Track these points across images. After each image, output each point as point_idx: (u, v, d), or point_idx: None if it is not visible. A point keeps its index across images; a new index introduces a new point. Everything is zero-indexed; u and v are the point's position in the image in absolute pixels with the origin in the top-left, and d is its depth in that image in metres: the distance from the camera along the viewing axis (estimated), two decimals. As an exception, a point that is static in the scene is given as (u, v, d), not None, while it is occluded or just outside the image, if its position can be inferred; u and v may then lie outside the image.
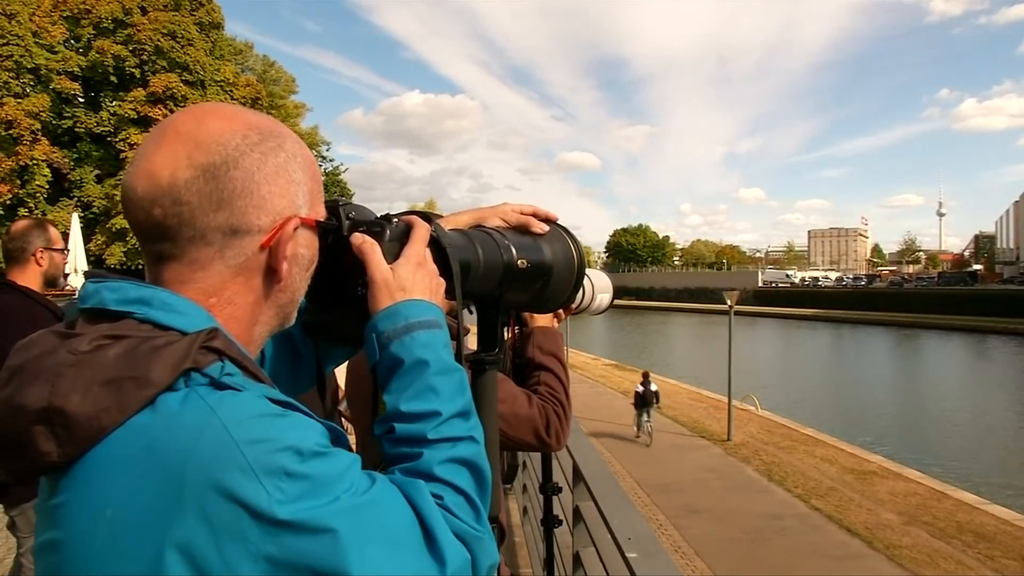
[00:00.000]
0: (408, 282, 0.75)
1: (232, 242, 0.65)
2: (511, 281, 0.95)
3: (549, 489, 2.18)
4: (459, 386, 0.73)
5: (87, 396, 0.55)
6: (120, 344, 0.58)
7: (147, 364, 0.57)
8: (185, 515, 0.52)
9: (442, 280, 0.79)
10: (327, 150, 47.68)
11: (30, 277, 2.72)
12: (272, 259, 0.68)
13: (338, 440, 0.61)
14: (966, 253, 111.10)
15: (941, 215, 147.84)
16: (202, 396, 0.56)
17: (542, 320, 1.61)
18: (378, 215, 0.80)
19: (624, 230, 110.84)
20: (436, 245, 0.81)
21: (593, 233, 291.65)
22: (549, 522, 2.18)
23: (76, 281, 7.47)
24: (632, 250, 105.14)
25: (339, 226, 0.75)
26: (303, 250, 0.71)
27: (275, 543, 0.52)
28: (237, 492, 0.52)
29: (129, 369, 0.56)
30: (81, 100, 28.45)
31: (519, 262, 0.95)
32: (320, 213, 0.73)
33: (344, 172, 49.52)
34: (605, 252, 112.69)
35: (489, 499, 0.70)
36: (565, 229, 1.07)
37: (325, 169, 46.97)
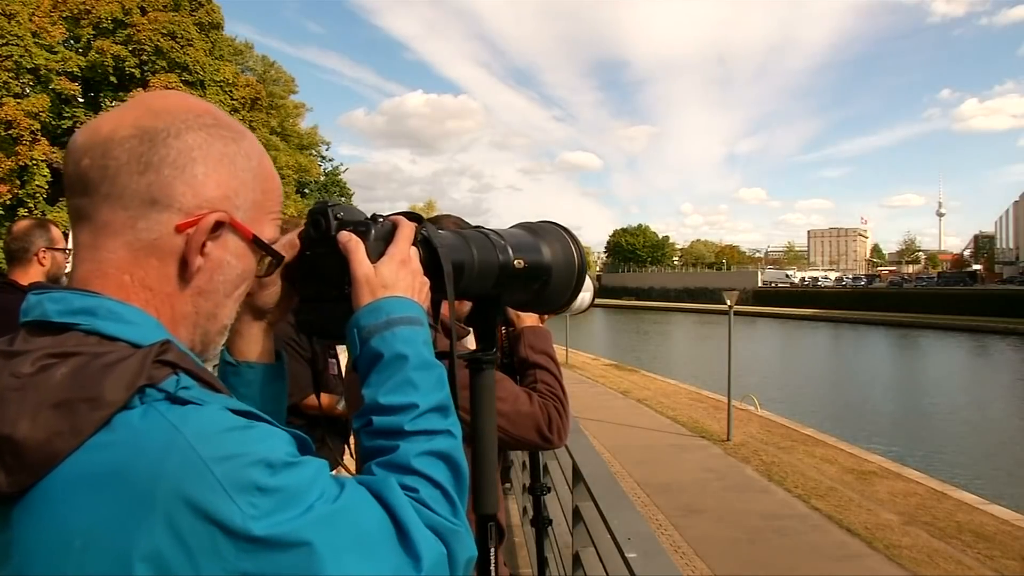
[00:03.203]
0: (390, 279, 0.75)
1: (148, 213, 0.62)
2: (508, 281, 0.95)
3: (538, 490, 2.19)
4: (438, 381, 0.73)
5: (36, 421, 0.52)
6: (68, 363, 0.55)
7: (99, 383, 0.54)
8: (153, 526, 0.50)
9: (426, 279, 0.80)
10: (327, 150, 47.66)
11: (32, 277, 2.72)
12: (187, 249, 0.64)
13: (304, 447, 0.60)
14: (966, 253, 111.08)
15: (941, 215, 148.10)
16: (162, 413, 0.54)
17: (530, 319, 1.62)
18: (368, 215, 0.81)
19: (624, 230, 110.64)
20: (427, 245, 0.82)
21: (593, 233, 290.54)
22: (539, 522, 2.19)
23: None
24: (632, 250, 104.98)
25: (280, 256, 0.74)
26: (232, 259, 0.67)
27: (251, 560, 0.52)
28: (210, 511, 0.51)
29: (80, 390, 0.53)
30: (81, 100, 28.41)
31: (516, 262, 0.95)
32: (265, 234, 0.70)
33: (344, 172, 49.53)
34: (605, 252, 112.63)
35: (466, 494, 0.70)
36: (566, 229, 1.07)
37: (325, 169, 46.96)
